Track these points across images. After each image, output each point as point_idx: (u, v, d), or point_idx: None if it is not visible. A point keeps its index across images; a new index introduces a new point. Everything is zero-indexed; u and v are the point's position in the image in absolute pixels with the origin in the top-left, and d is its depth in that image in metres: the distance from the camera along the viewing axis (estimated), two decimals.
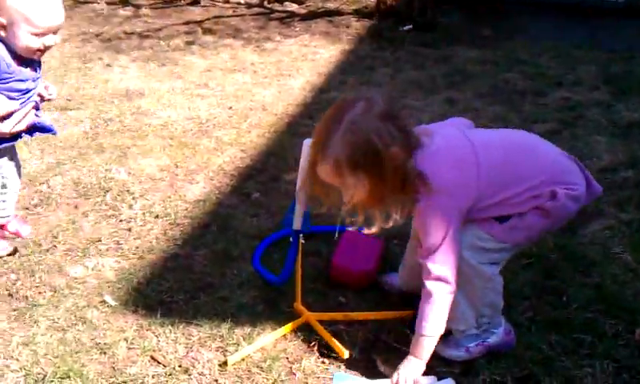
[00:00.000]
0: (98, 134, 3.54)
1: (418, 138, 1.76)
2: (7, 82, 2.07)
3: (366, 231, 1.82)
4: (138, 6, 6.40)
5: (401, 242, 2.50)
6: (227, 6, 6.52)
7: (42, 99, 2.26)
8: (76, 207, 2.79)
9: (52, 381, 1.86)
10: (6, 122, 2.10)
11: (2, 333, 2.05)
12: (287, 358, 1.96)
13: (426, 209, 1.75)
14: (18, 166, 2.37)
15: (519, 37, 5.50)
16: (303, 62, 4.89)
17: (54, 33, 2.09)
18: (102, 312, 2.15)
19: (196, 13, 6.26)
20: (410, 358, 1.82)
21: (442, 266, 1.75)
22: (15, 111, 2.11)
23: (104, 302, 2.19)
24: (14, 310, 2.15)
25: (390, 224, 1.79)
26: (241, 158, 3.26)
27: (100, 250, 2.49)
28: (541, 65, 4.76)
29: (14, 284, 2.28)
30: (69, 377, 1.87)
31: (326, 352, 1.98)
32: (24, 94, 2.13)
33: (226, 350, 1.98)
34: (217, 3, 6.56)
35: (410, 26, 5.78)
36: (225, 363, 1.92)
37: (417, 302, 1.83)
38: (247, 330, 2.07)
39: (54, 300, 2.20)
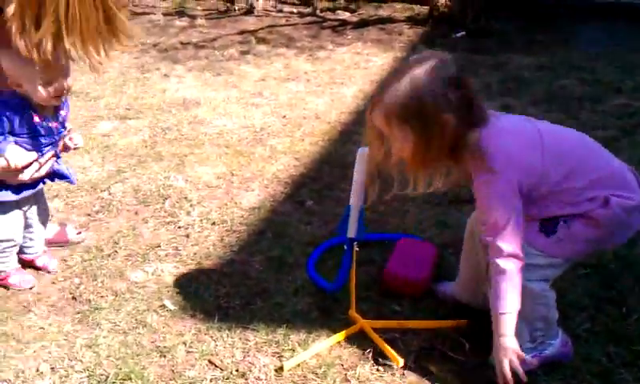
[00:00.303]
0: (157, 142, 3.64)
1: (485, 114, 1.77)
2: (25, 137, 2.14)
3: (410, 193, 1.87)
4: (193, 17, 6.54)
5: (456, 251, 2.49)
6: (280, 15, 6.61)
7: (67, 149, 2.31)
8: (136, 214, 2.87)
9: (114, 382, 1.92)
10: (25, 171, 2.16)
11: (67, 335, 2.13)
12: (342, 365, 1.98)
13: (490, 185, 1.76)
14: (44, 209, 2.45)
15: (575, 42, 5.42)
16: (356, 69, 4.92)
17: (64, 77, 2.10)
18: (161, 316, 2.21)
19: (250, 22, 6.37)
20: (499, 339, 1.79)
21: (512, 243, 1.74)
22: (35, 160, 2.16)
23: (163, 306, 2.25)
24: (78, 313, 2.23)
25: (431, 189, 1.82)
26: (294, 166, 3.30)
27: (159, 255, 2.56)
28: (597, 71, 4.67)
29: (78, 288, 2.36)
30: (130, 379, 1.93)
31: (381, 360, 1.99)
32: (45, 147, 2.19)
33: (282, 356, 2.01)
34: (270, 13, 6.65)
35: (464, 33, 5.75)
36: (281, 368, 1.95)
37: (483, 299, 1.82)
38: (302, 336, 2.09)
39: (116, 304, 2.27)
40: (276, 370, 1.96)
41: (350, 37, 5.90)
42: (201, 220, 2.81)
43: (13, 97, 2.10)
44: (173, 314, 2.22)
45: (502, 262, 1.74)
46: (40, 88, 2.07)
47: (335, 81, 4.64)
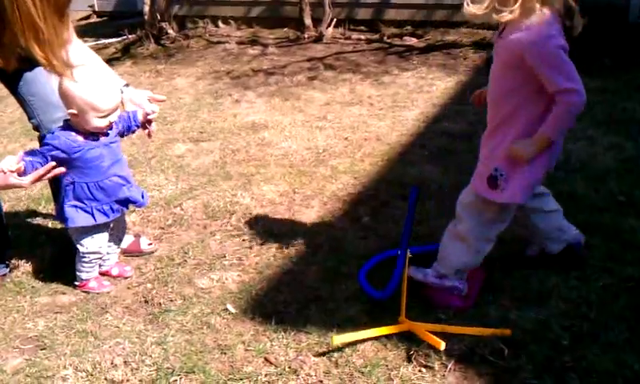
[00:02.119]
0: (226, 162, 3.89)
1: None
2: (80, 153, 2.38)
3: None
4: (265, 45, 6.84)
5: (504, 266, 2.59)
6: (348, 42, 6.82)
7: (149, 122, 2.58)
8: (205, 227, 3.10)
9: (179, 375, 2.13)
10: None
11: (139, 333, 2.35)
12: (387, 365, 2.12)
13: (542, 45, 2.05)
14: (123, 227, 2.71)
15: None
16: (419, 93, 5.07)
17: (116, 109, 2.41)
18: (223, 318, 2.41)
19: (318, 50, 6.61)
20: (526, 146, 2.16)
21: (579, 83, 2.09)
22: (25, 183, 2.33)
23: (226, 309, 2.45)
24: (149, 315, 2.46)
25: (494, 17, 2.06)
26: (353, 185, 3.47)
27: (224, 264, 2.77)
28: None
29: (150, 292, 2.59)
30: (193, 372, 2.13)
31: (423, 362, 2.12)
32: (100, 161, 2.43)
33: (331, 356, 2.17)
34: (338, 40, 6.88)
35: None
36: (328, 370, 2.11)
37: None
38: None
39: (183, 307, 2.49)
40: (325, 369, 2.11)
41: (415, 62, 6.04)
42: (264, 234, 3.01)
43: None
44: (234, 316, 2.41)
45: (571, 99, 2.10)
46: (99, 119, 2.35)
47: (398, 104, 4.80)
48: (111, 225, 2.61)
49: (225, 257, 2.84)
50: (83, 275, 2.60)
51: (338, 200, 3.32)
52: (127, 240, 2.85)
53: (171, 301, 2.54)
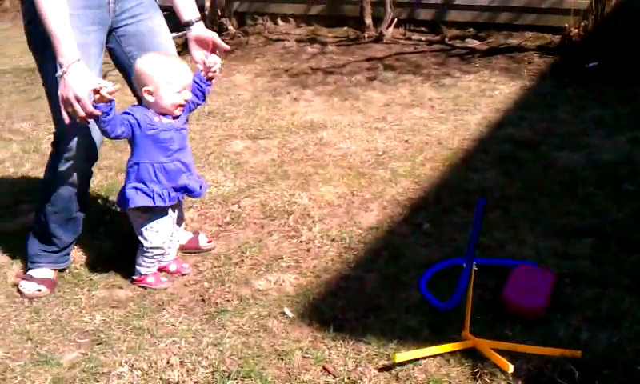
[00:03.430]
0: (284, 161, 3.84)
1: None
2: (153, 132, 2.41)
3: None
4: (324, 44, 6.78)
5: (573, 282, 2.48)
6: (409, 42, 6.71)
7: (211, 77, 2.55)
8: (262, 227, 3.06)
9: (235, 379, 2.08)
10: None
11: (195, 333, 2.32)
12: (449, 383, 2.03)
13: None
14: (181, 218, 2.70)
15: None
16: (481, 97, 4.93)
17: (189, 88, 2.45)
18: (281, 322, 2.35)
19: (378, 50, 6.51)
20: None
21: None
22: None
23: (283, 313, 2.40)
24: (206, 314, 2.43)
25: None
26: (414, 190, 3.38)
27: (282, 266, 2.72)
28: None
29: (207, 291, 2.56)
30: (250, 377, 2.08)
31: (489, 381, 2.02)
32: (170, 144, 2.46)
33: (392, 369, 2.09)
34: (399, 40, 6.77)
35: (596, 63, 5.60)
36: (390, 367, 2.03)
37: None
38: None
39: (240, 308, 2.45)
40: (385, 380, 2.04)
41: (477, 65, 5.89)
42: (321, 236, 2.95)
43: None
44: (291, 321, 2.36)
45: None
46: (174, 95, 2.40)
47: (460, 108, 4.68)
48: (174, 219, 2.59)
49: (282, 258, 2.79)
50: (142, 270, 2.59)
51: (398, 204, 3.23)
52: (186, 236, 2.82)
53: (228, 301, 2.50)
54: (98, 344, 2.28)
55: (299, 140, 4.19)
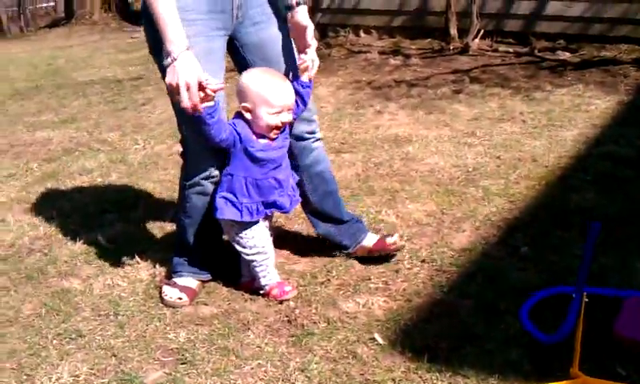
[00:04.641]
0: (369, 176, 3.72)
1: None
2: (252, 150, 2.37)
3: None
4: (408, 56, 6.64)
5: None
6: (496, 54, 6.49)
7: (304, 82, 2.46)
8: None
9: None
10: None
11: (281, 356, 2.23)
12: None
13: None
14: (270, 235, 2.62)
15: None
16: (576, 112, 4.68)
17: (288, 111, 2.36)
18: (370, 349, 2.23)
19: (464, 62, 6.32)
20: None
21: None
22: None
23: (373, 339, 2.27)
24: (292, 336, 2.33)
25: None
26: (509, 210, 3.19)
27: (370, 288, 2.60)
28: None
29: (293, 311, 2.47)
30: None
31: None
32: (266, 163, 2.41)
33: None
34: (486, 52, 6.56)
35: None
36: None
37: None
38: None
39: (327, 331, 2.34)
40: None
41: (569, 78, 5.62)
42: (410, 257, 2.81)
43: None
44: (382, 348, 2.23)
45: None
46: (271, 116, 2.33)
47: (554, 123, 4.44)
48: (267, 225, 2.55)
49: (370, 279, 2.67)
50: (263, 281, 2.55)
51: (491, 225, 3.05)
52: (373, 238, 2.77)
53: (314, 323, 2.39)
54: (182, 364, 2.22)
55: (384, 154, 4.06)
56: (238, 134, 2.36)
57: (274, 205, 2.47)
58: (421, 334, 2.29)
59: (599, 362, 2.09)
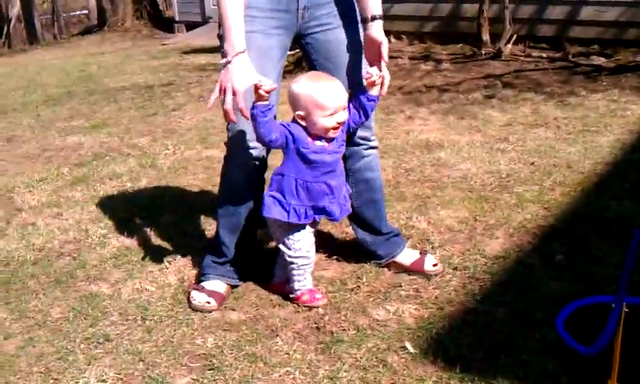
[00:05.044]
0: (400, 182, 3.67)
1: None
2: (304, 151, 2.34)
3: None
4: (439, 61, 6.58)
5: None
6: (529, 59, 6.40)
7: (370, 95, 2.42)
8: None
9: None
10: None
11: (309, 363, 2.18)
12: None
13: None
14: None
15: None
16: (612, 118, 4.57)
17: (343, 109, 2.33)
18: (401, 357, 2.17)
19: (496, 67, 6.25)
20: None
21: None
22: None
23: (404, 347, 2.22)
24: (321, 343, 2.28)
25: None
26: (544, 217, 3.11)
27: (400, 295, 2.54)
28: None
29: (322, 318, 2.42)
30: None
31: None
32: (320, 166, 2.36)
33: None
34: (518, 57, 6.47)
35: None
36: None
37: None
38: None
39: (357, 338, 2.29)
40: None
41: (604, 83, 5.51)
42: (442, 264, 2.75)
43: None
44: (413, 357, 2.17)
45: None
46: (325, 118, 2.30)
47: (589, 129, 4.34)
48: (313, 232, 2.52)
49: (401, 286, 2.61)
50: (296, 285, 2.51)
51: (526, 232, 2.98)
52: (411, 256, 2.71)
53: (344, 330, 2.34)
54: (209, 370, 2.19)
55: (415, 160, 4.00)
56: (292, 133, 2.34)
57: (323, 211, 2.42)
58: (453, 343, 2.23)
59: (639, 374, 2.01)
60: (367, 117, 2.47)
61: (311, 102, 2.29)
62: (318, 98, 2.28)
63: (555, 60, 6.34)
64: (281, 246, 2.49)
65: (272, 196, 2.40)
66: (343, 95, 2.34)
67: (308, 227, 2.48)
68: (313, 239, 2.51)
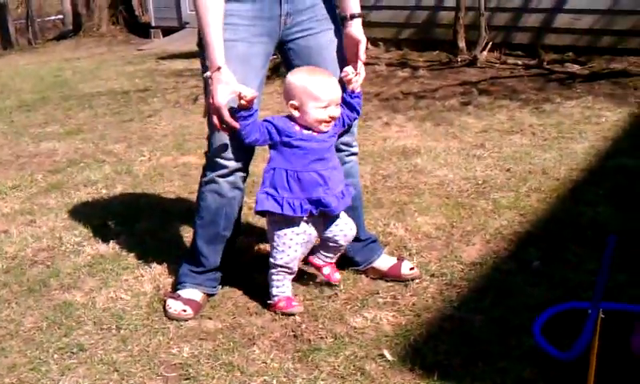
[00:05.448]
0: (377, 189, 3.67)
1: None
2: (290, 139, 2.37)
3: None
4: (415, 68, 6.62)
5: None
6: (504, 67, 6.45)
7: (353, 92, 2.45)
8: None
9: None
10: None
11: (287, 372, 2.16)
12: None
13: None
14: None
15: None
16: (586, 124, 4.62)
17: (336, 105, 2.36)
18: (379, 365, 2.16)
19: (472, 74, 6.29)
20: None
21: None
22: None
23: (382, 355, 2.21)
24: (298, 351, 2.27)
25: None
26: (520, 223, 3.13)
27: (378, 302, 2.54)
28: None
29: (299, 326, 2.40)
30: None
31: None
32: (307, 153, 2.38)
33: None
34: (494, 64, 6.52)
35: None
36: None
37: None
38: None
39: (335, 347, 2.27)
40: None
41: (579, 90, 5.58)
42: (420, 271, 2.75)
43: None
44: (391, 364, 2.16)
45: None
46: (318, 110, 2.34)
47: (564, 135, 4.39)
48: (311, 238, 2.51)
49: (378, 293, 2.60)
50: (273, 291, 2.50)
51: (502, 239, 2.99)
52: (388, 262, 2.70)
53: (321, 338, 2.33)
54: (185, 379, 2.16)
55: (392, 166, 4.01)
56: (275, 126, 2.36)
57: (319, 203, 2.39)
58: (431, 350, 2.23)
59: (615, 379, 2.03)
60: (358, 113, 2.52)
61: (305, 93, 2.32)
62: (312, 89, 2.32)
63: (530, 67, 6.40)
64: (271, 248, 2.48)
65: (265, 192, 2.40)
66: (337, 90, 2.36)
67: (307, 230, 2.46)
68: (302, 250, 2.49)
